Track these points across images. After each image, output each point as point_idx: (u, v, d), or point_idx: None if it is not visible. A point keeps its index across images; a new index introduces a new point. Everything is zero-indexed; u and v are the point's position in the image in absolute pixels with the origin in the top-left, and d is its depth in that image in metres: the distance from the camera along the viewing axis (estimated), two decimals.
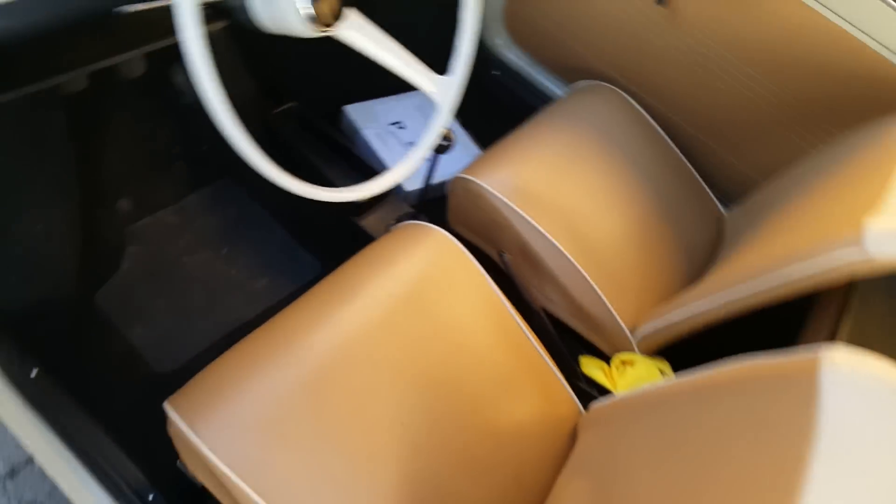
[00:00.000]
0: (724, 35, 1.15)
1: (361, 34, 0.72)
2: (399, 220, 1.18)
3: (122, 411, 0.92)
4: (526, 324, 0.94)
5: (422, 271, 0.90)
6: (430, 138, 0.83)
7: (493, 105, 1.56)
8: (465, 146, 1.47)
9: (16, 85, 0.66)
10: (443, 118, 0.83)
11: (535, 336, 0.94)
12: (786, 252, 0.83)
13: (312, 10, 0.62)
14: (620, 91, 1.35)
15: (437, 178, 1.37)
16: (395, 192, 1.24)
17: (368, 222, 1.19)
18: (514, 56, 1.56)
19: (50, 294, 0.95)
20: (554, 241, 1.04)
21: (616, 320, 1.04)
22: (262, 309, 1.15)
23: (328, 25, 0.64)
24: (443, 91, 0.81)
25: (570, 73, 1.47)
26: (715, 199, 1.33)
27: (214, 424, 0.71)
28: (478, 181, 1.08)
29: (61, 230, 0.93)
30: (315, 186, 0.72)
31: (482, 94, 1.48)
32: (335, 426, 0.74)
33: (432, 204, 1.32)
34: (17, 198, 0.86)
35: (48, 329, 0.97)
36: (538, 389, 0.91)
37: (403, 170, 0.82)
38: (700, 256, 1.22)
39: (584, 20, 1.35)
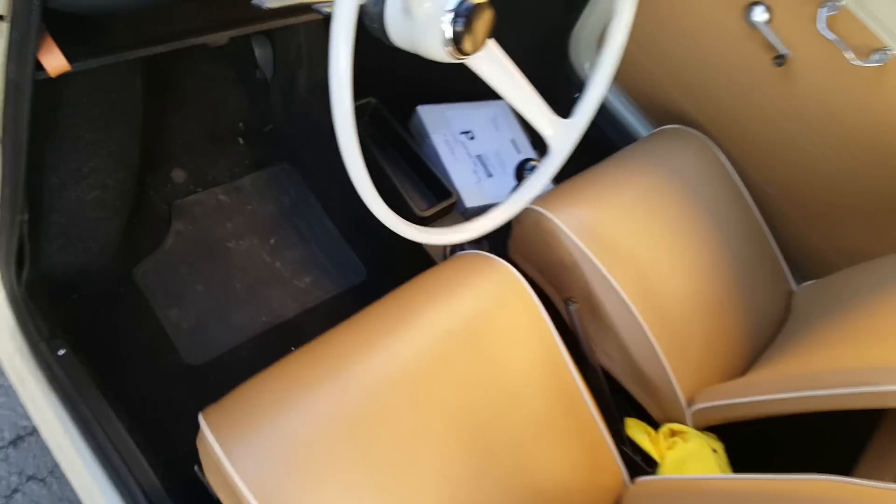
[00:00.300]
0: (840, 110, 1.07)
1: (495, 66, 0.66)
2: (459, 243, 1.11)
3: (144, 401, 0.86)
4: (584, 382, 0.87)
5: (483, 309, 0.83)
6: (538, 185, 0.76)
7: None
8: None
9: (105, 52, 0.60)
10: (554, 164, 0.75)
11: (591, 396, 0.87)
12: (885, 363, 0.77)
13: (459, 37, 0.56)
14: (710, 142, 1.27)
15: (498, 198, 1.29)
16: (455, 208, 1.17)
17: None
18: None
19: (89, 263, 0.89)
20: (624, 295, 0.97)
21: (674, 388, 0.97)
22: (302, 310, 1.09)
23: (467, 54, 0.58)
24: (560, 135, 0.74)
25: (659, 113, 1.39)
26: (787, 270, 1.26)
27: (248, 448, 0.66)
28: (552, 217, 1.01)
29: (115, 197, 0.87)
30: (409, 224, 0.65)
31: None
32: (376, 470, 0.68)
33: None
34: (80, 164, 0.80)
35: (81, 299, 0.91)
36: (586, 453, 0.86)
37: (507, 212, 0.75)
38: (766, 331, 1.14)
39: (688, 63, 1.27)
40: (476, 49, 0.59)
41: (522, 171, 0.88)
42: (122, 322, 0.96)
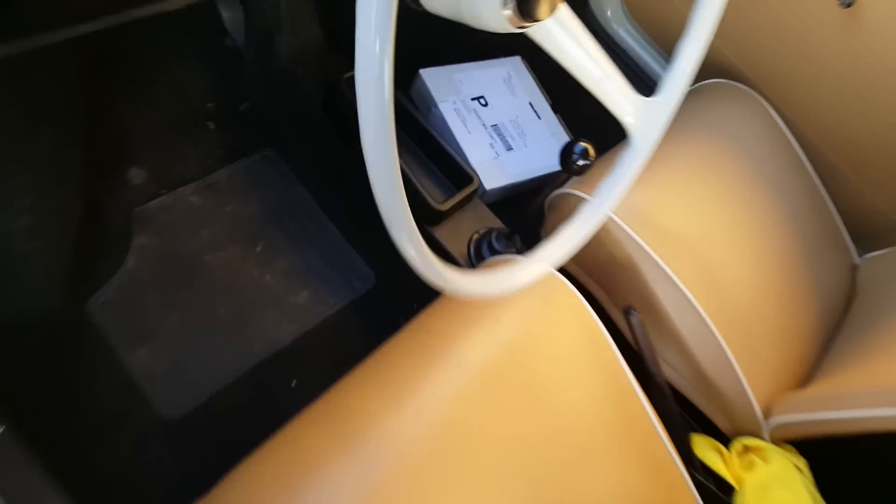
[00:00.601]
0: None
1: (566, 36, 0.47)
2: (484, 238, 0.93)
3: (115, 478, 0.68)
4: (654, 411, 0.73)
5: (530, 332, 0.68)
6: (620, 189, 0.57)
7: None
8: (554, 134, 1.20)
9: (18, 36, 0.41)
10: (639, 160, 0.57)
11: (662, 426, 0.73)
12: None
13: (526, 1, 0.38)
14: (759, 97, 1.09)
15: (522, 176, 1.11)
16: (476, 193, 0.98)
17: (443, 232, 0.93)
18: (624, 32, 1.28)
19: (27, 307, 0.69)
20: (689, 293, 0.81)
21: (748, 398, 0.83)
22: (301, 332, 0.89)
23: (537, 20, 0.41)
24: (643, 120, 0.55)
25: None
26: (849, 242, 1.10)
27: None
28: None
29: (52, 219, 0.67)
30: (467, 273, 0.46)
31: None
32: None
33: (508, 205, 1.07)
34: None
35: (21, 354, 0.71)
36: (662, 493, 0.72)
37: (585, 229, 0.57)
38: (833, 315, 0.99)
39: (729, 6, 1.08)
40: (550, 14, 0.41)
41: (569, 159, 0.69)
42: (78, 375, 0.76)
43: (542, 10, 0.40)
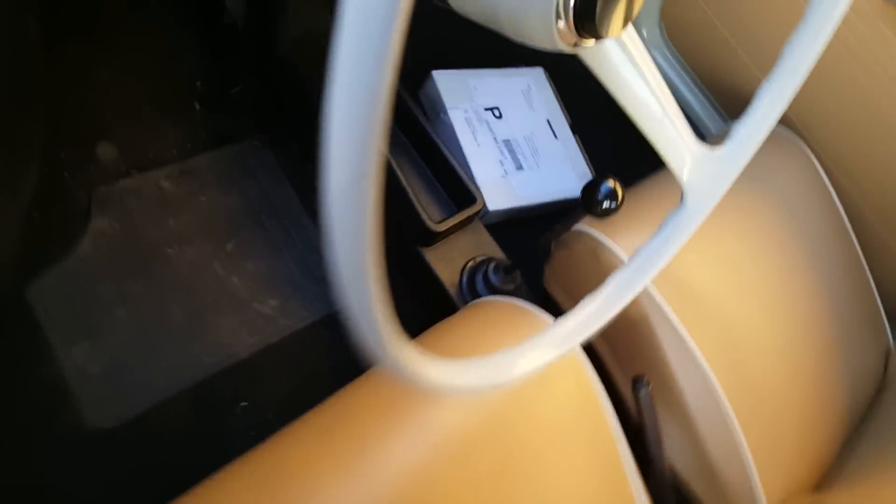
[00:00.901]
0: None
1: (626, 64, 0.38)
2: (480, 267, 0.84)
3: (13, 496, 0.59)
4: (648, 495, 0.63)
5: (516, 399, 0.59)
6: (666, 254, 0.47)
7: (616, 109, 1.18)
8: (571, 157, 1.11)
9: None
10: (691, 224, 0.47)
11: None
12: None
13: (591, 11, 0.29)
14: (802, 143, 1.00)
15: (530, 200, 1.02)
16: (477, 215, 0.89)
17: (435, 255, 0.84)
18: (660, 57, 1.19)
19: None
20: (707, 367, 0.72)
21: (757, 496, 0.73)
22: (262, 346, 0.80)
23: (599, 38, 0.33)
24: (703, 175, 0.45)
25: (733, 101, 1.10)
26: (886, 321, 1.00)
27: None
28: (615, 248, 0.76)
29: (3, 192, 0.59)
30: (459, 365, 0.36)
31: (604, 94, 1.10)
32: None
33: (509, 229, 0.98)
34: None
35: None
36: None
37: (616, 301, 0.46)
38: (862, 404, 0.90)
39: (767, 34, 0.99)
40: (620, 31, 0.34)
41: (593, 199, 0.59)
42: (2, 366, 0.68)
43: (612, 25, 0.31)
